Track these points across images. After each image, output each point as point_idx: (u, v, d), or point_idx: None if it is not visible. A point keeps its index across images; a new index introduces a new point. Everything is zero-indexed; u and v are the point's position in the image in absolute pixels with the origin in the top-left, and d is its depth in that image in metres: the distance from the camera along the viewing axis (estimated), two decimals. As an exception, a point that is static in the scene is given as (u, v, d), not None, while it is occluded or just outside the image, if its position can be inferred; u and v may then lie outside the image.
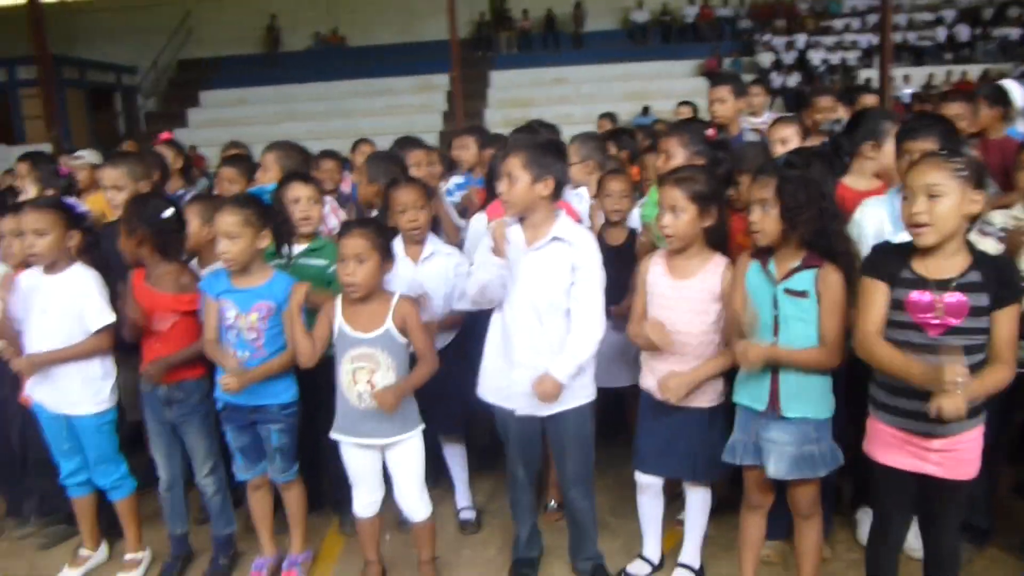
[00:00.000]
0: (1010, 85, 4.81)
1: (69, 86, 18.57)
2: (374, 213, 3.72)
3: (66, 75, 18.36)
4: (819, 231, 2.43)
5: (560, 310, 2.77)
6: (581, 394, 2.85)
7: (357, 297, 2.76)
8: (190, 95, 19.86)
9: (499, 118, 16.48)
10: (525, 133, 3.69)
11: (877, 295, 2.28)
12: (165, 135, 4.49)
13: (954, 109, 3.61)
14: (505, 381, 2.85)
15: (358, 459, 2.91)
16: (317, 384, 3.05)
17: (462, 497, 3.56)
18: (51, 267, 3.02)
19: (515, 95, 19.02)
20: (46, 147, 10.79)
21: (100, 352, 3.06)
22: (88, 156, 5.32)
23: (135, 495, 3.25)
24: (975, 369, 2.20)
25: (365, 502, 2.96)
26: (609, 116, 7.31)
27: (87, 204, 3.45)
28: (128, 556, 3.26)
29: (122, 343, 3.07)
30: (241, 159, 4.28)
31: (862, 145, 3.22)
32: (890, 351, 2.24)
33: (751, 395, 2.57)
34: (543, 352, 2.75)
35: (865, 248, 2.65)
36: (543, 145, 2.83)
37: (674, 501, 3.25)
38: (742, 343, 2.47)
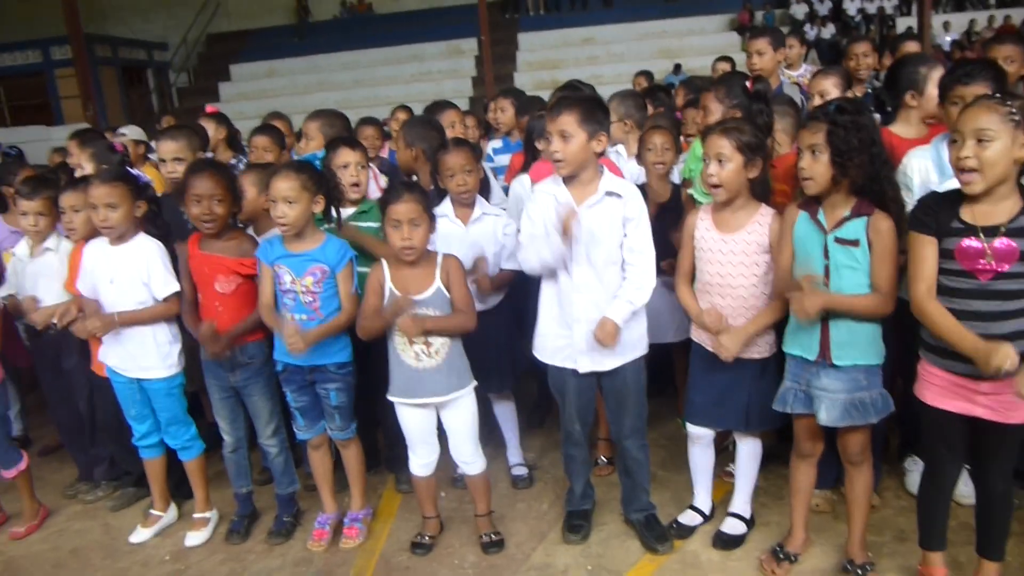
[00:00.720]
0: None
1: (102, 64, 18.79)
2: (414, 179, 3.78)
3: (99, 53, 18.57)
4: (870, 177, 2.43)
5: (616, 264, 2.81)
6: (637, 347, 2.90)
7: (412, 260, 2.82)
8: (221, 69, 19.96)
9: (528, 81, 16.35)
10: (569, 92, 3.69)
11: (927, 251, 2.29)
12: (211, 108, 4.56)
13: (1005, 51, 3.52)
14: (564, 341, 2.88)
15: (415, 419, 3.00)
16: (369, 346, 3.14)
17: (514, 454, 3.65)
18: (117, 238, 3.12)
19: (544, 57, 18.83)
20: (83, 127, 10.97)
21: (168, 317, 3.18)
22: (130, 132, 5.45)
23: (203, 456, 3.39)
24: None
25: (422, 462, 3.07)
26: (645, 74, 7.26)
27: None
28: (197, 515, 3.41)
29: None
30: (272, 128, 4.33)
31: (903, 95, 3.19)
32: (944, 318, 2.27)
33: (801, 344, 2.59)
34: (603, 307, 2.78)
35: (910, 198, 2.66)
36: (594, 100, 2.84)
37: (722, 453, 3.31)
38: (798, 294, 2.48)
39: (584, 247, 2.76)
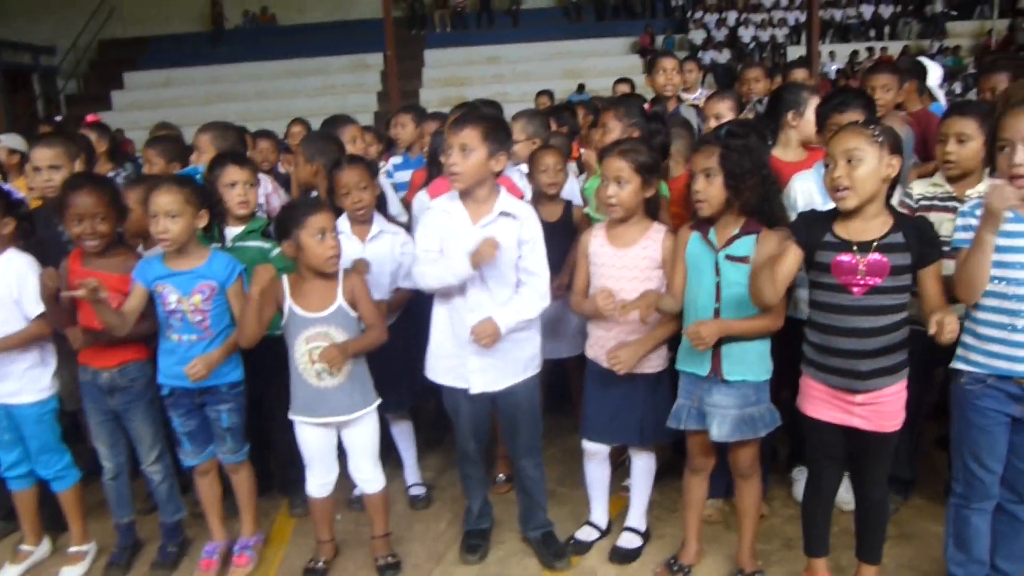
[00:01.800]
0: (928, 63, 5.04)
1: (-17, 68, 17.72)
2: (314, 194, 3.70)
3: (-21, 57, 17.52)
4: (762, 198, 2.53)
5: (509, 284, 2.80)
6: (530, 367, 2.91)
7: (336, 269, 2.79)
8: (114, 76, 19.14)
9: (434, 97, 16.37)
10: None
11: (788, 252, 2.38)
12: (91, 117, 4.34)
13: (881, 80, 3.80)
14: (456, 361, 2.86)
15: (315, 439, 2.91)
16: (261, 365, 3.04)
17: (411, 473, 3.60)
18: (-19, 254, 2.92)
19: (450, 74, 18.90)
20: (-40, 133, 10.28)
21: (40, 339, 2.98)
22: (8, 140, 5.13)
23: (79, 486, 3.18)
24: (894, 328, 2.34)
25: (320, 482, 2.98)
26: (547, 93, 7.35)
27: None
28: (73, 549, 3.19)
29: (57, 332, 3.00)
30: (164, 140, 4.15)
31: (784, 115, 3.35)
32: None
33: (694, 361, 2.66)
34: None
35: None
36: (498, 120, 2.85)
37: (618, 469, 3.35)
38: (693, 325, 2.55)
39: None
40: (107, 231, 2.88)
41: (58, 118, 7.39)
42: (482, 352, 2.78)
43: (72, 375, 3.09)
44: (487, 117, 2.81)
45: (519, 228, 2.78)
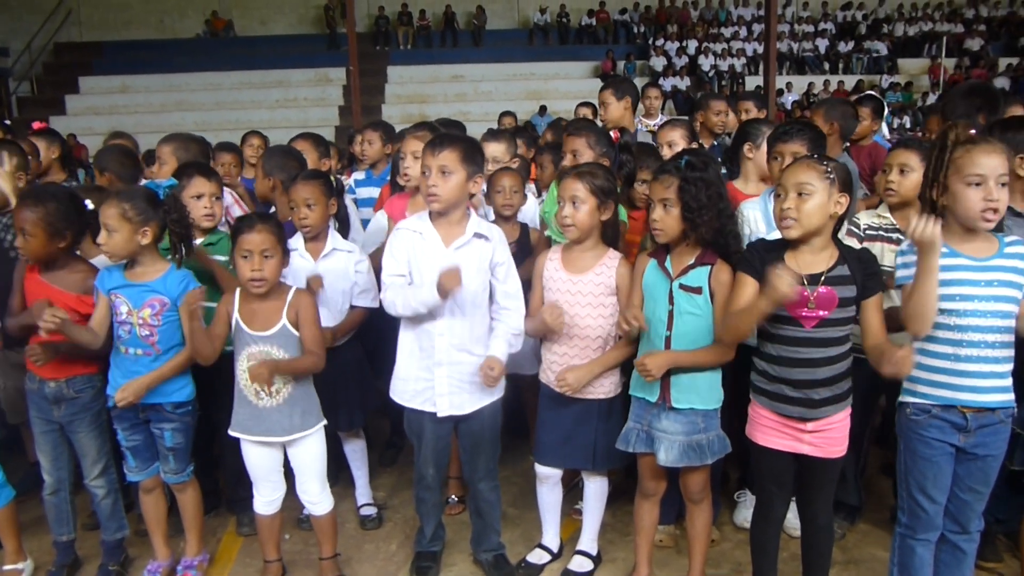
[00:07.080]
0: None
1: (-70, 68, 17.26)
2: (272, 210, 3.66)
3: (-74, 56, 17.05)
4: (718, 230, 2.56)
5: (482, 305, 2.81)
6: (496, 389, 2.90)
7: (262, 293, 2.73)
8: (68, 80, 18.77)
9: (397, 114, 16.37)
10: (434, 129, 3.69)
11: (747, 289, 2.43)
12: (38, 124, 4.21)
13: (818, 119, 3.90)
14: (424, 384, 2.83)
15: (259, 457, 2.86)
16: (212, 381, 2.99)
17: (363, 493, 3.55)
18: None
19: (413, 91, 18.95)
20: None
21: None
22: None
23: (14, 503, 3.07)
24: (842, 357, 2.40)
25: (266, 500, 2.93)
26: (511, 114, 7.39)
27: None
28: (7, 567, 3.08)
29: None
30: (114, 150, 4.04)
31: (741, 147, 3.43)
32: (740, 308, 2.39)
33: (644, 387, 2.68)
34: (469, 347, 2.78)
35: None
36: (473, 142, 2.85)
37: (571, 491, 3.36)
38: (641, 356, 2.57)
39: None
40: (30, 244, 2.80)
41: (7, 121, 7.16)
42: (451, 375, 2.78)
43: (16, 387, 3.00)
44: (464, 139, 2.82)
45: (492, 250, 2.79)
